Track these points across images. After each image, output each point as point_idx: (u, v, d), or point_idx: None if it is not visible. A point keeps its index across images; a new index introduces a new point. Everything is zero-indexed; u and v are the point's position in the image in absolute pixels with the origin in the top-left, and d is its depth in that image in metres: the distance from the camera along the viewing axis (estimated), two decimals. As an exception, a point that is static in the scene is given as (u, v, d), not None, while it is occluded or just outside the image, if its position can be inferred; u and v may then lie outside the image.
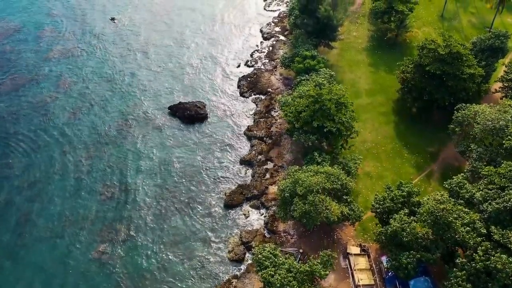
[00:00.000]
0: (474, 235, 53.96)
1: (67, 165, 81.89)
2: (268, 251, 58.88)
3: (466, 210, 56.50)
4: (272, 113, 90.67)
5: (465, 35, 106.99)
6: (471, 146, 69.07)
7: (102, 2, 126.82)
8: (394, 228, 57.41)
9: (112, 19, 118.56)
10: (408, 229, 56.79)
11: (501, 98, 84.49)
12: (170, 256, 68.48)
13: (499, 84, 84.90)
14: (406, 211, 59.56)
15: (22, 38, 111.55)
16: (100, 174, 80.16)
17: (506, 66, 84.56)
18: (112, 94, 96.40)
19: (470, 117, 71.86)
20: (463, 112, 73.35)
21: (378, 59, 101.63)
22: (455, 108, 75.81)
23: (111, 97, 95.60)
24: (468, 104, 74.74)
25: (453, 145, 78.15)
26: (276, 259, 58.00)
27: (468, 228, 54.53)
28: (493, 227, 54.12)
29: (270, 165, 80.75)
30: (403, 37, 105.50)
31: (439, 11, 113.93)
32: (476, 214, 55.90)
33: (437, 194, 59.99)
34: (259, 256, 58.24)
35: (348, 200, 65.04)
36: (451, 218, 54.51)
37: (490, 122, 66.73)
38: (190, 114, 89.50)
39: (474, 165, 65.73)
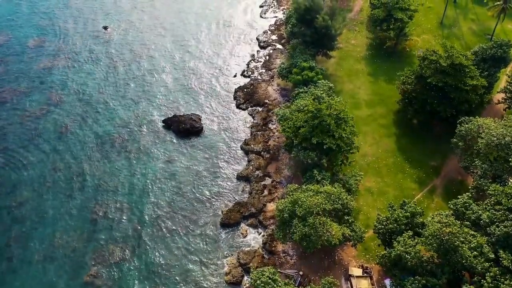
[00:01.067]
0: (482, 260, 51.82)
1: (58, 182, 79.18)
2: (267, 276, 56.40)
3: (473, 233, 54.30)
4: (270, 125, 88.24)
5: (465, 42, 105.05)
6: (476, 162, 66.96)
7: (95, 10, 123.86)
8: (398, 252, 55.14)
9: (105, 27, 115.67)
10: (412, 253, 54.53)
11: (505, 110, 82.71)
12: (164, 279, 65.92)
13: (502, 95, 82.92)
14: (410, 233, 57.25)
15: (11, 49, 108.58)
16: (92, 192, 77.47)
17: (509, 77, 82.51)
18: (104, 107, 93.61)
19: (474, 131, 69.80)
20: (466, 126, 71.30)
21: (377, 68, 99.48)
22: (458, 122, 73.72)
23: (103, 110, 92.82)
24: (471, 117, 72.70)
25: (455, 158, 76.29)
26: (275, 285, 55.56)
27: (475, 252, 52.36)
28: (501, 251, 52.03)
29: (268, 181, 78.34)
30: (403, 45, 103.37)
31: (439, 18, 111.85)
32: (484, 237, 53.69)
33: (442, 215, 58.02)
34: (258, 281, 55.73)
35: (350, 220, 62.65)
36: (457, 242, 52.28)
37: (495, 138, 64.63)
38: (185, 128, 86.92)
39: (479, 182, 63.73)
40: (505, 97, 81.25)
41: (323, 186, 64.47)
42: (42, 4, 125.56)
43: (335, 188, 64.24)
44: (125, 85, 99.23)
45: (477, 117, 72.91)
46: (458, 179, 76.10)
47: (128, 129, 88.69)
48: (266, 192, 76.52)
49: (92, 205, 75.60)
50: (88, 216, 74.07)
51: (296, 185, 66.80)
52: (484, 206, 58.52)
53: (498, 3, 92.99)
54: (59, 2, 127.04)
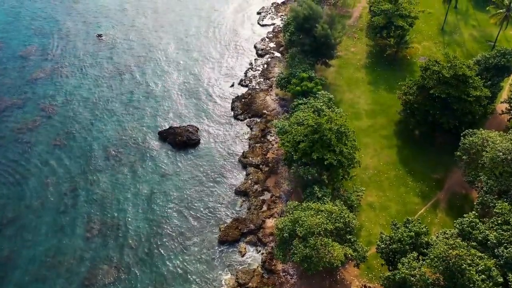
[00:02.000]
0: (490, 284, 49.75)
1: (50, 198, 76.65)
2: (267, 300, 54.46)
3: (480, 255, 52.30)
4: (268, 137, 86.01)
5: (467, 49, 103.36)
6: (481, 177, 65.07)
7: (88, 17, 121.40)
8: (403, 274, 53.08)
9: (99, 36, 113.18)
10: (417, 275, 52.50)
11: (508, 120, 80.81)
12: (161, 300, 63.88)
13: (506, 105, 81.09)
14: (415, 255, 55.21)
15: (3, 58, 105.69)
16: (86, 209, 75.07)
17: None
18: (98, 119, 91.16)
19: (478, 144, 67.91)
20: (470, 139, 69.38)
21: (377, 76, 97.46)
22: (461, 134, 71.83)
23: (97, 122, 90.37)
24: (475, 130, 70.81)
25: (458, 170, 74.48)
26: (275, 309, 53.56)
27: (483, 275, 50.31)
28: (510, 275, 50.16)
29: (267, 196, 76.19)
30: (403, 53, 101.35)
31: (439, 24, 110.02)
32: (491, 260, 51.72)
33: (447, 234, 56.32)
34: (257, 306, 53.75)
35: (352, 239, 60.55)
36: (464, 265, 50.30)
37: (501, 153, 62.66)
38: (181, 140, 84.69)
39: (485, 198, 61.89)
40: (509, 108, 79.32)
41: (324, 203, 62.48)
42: (35, 12, 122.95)
43: (336, 205, 62.27)
44: (119, 96, 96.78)
45: (481, 129, 71.01)
46: (462, 193, 74.18)
47: (123, 142, 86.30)
48: (265, 207, 74.39)
49: (85, 222, 73.14)
50: (80, 234, 71.64)
51: (296, 202, 64.69)
52: (490, 225, 56.70)
53: (501, 11, 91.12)
54: (52, 9, 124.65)
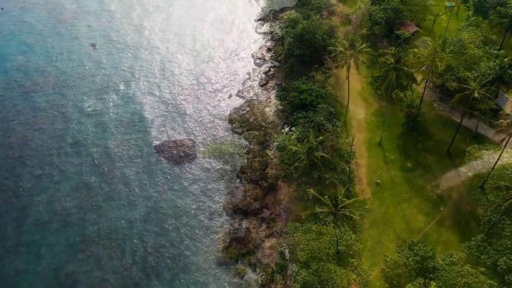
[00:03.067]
0: (501, 313, 47.69)
1: (43, 217, 74.29)
2: (267, 329, 52.17)
3: (490, 282, 50.19)
4: (267, 151, 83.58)
5: (469, 57, 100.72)
6: (487, 195, 63.02)
7: (83, 26, 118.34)
8: (410, 303, 51.01)
9: (93, 45, 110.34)
10: (424, 303, 50.43)
11: (514, 133, 78.59)
12: (157, 326, 61.55)
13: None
14: (421, 281, 53.02)
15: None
16: (80, 227, 72.79)
17: (518, 98, 78.71)
18: (92, 132, 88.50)
19: (484, 161, 65.84)
20: (475, 155, 67.28)
21: (379, 86, 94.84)
22: (466, 150, 69.75)
23: (91, 136, 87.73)
24: (480, 145, 68.74)
25: (463, 186, 72.24)
26: None
27: (493, 305, 48.25)
28: (522, 304, 47.98)
29: (266, 213, 73.84)
30: (404, 62, 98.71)
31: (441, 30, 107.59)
32: (502, 287, 49.60)
33: (454, 257, 54.59)
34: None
35: (355, 263, 58.28)
36: (474, 293, 48.21)
37: (508, 171, 60.66)
38: (177, 155, 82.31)
39: (492, 217, 59.94)
40: (515, 120, 77.14)
41: (326, 225, 60.26)
42: (27, 20, 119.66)
43: (338, 227, 60.01)
44: (114, 108, 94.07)
45: (486, 144, 68.97)
46: (467, 210, 71.66)
47: (117, 156, 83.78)
48: (264, 226, 72.08)
49: (80, 240, 71.00)
50: (75, 254, 69.43)
51: (297, 223, 62.43)
52: (499, 248, 54.65)
53: (505, 20, 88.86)
54: (46, 17, 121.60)
